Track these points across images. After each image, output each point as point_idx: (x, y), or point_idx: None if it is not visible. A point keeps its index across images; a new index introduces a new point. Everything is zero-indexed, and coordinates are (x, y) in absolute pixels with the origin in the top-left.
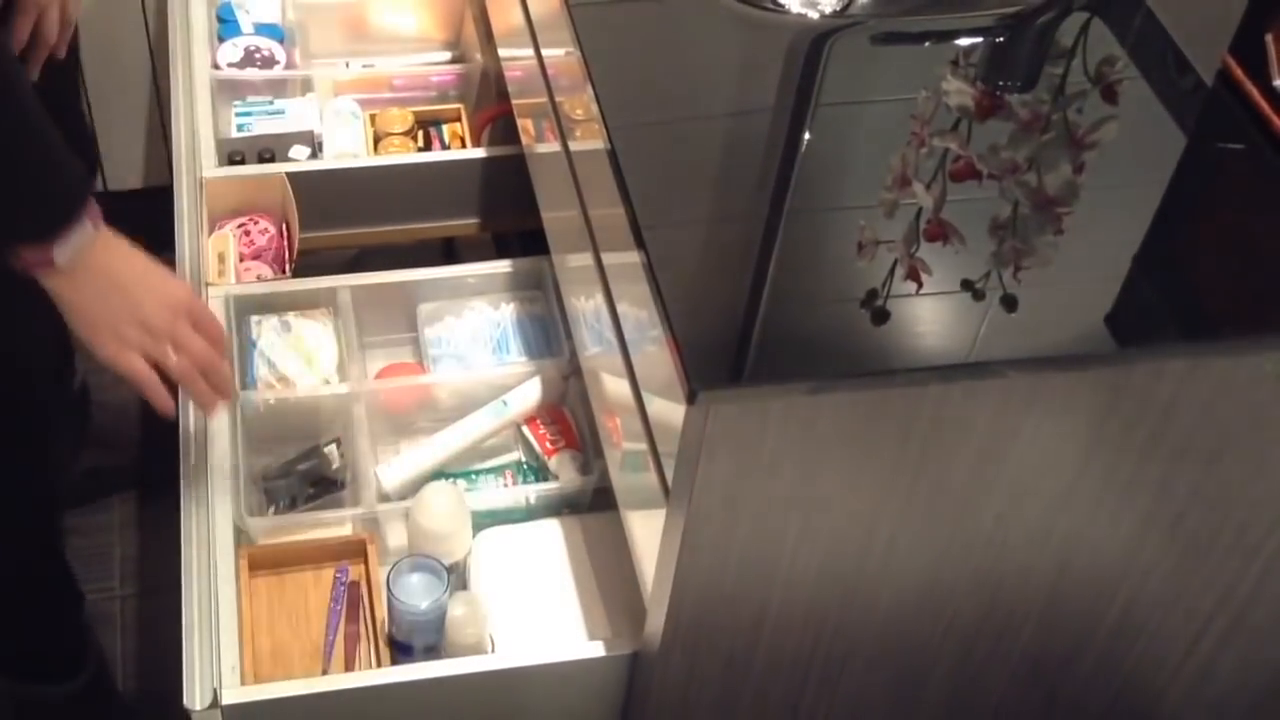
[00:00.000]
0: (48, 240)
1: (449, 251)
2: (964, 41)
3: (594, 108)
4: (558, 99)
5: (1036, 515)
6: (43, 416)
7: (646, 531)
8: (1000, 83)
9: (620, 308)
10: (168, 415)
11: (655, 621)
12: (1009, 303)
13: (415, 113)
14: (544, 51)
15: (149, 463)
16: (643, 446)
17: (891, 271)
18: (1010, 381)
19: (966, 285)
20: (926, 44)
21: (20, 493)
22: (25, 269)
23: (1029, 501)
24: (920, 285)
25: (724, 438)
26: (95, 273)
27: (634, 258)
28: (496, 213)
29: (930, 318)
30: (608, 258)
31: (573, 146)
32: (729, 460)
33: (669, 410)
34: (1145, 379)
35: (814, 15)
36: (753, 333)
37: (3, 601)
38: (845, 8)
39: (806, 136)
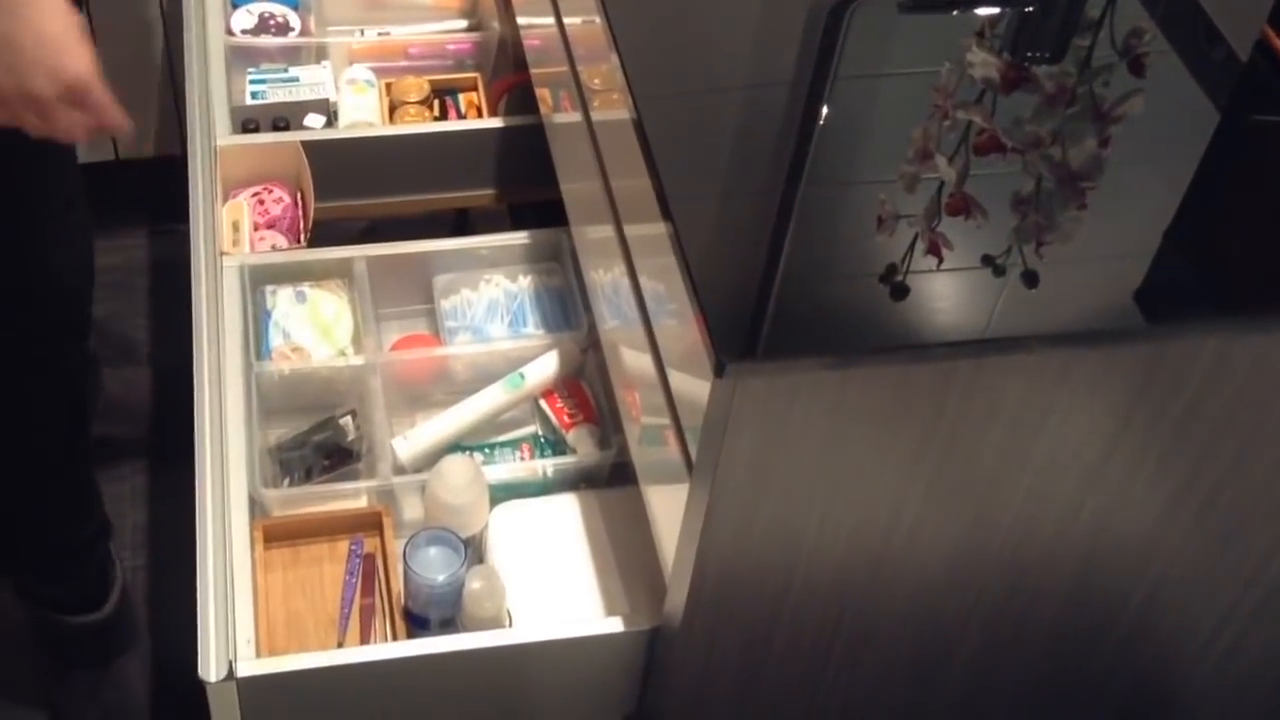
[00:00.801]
0: None
1: (462, 222)
2: (990, 11)
3: (619, 77)
4: (579, 68)
5: (1066, 493)
6: (76, 339)
7: (667, 507)
8: (1026, 54)
9: (642, 280)
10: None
11: (676, 598)
12: (1030, 278)
13: (431, 81)
14: (565, 19)
15: (160, 434)
16: (663, 420)
17: (912, 246)
18: (1043, 358)
19: (987, 260)
20: (954, 13)
21: (51, 411)
22: None
23: (1058, 479)
24: (941, 260)
25: (750, 412)
26: (12, 17)
27: (658, 229)
28: (513, 183)
29: (950, 293)
30: (630, 229)
31: (594, 116)
32: (754, 435)
33: (693, 384)
34: (1179, 356)
35: None
36: (775, 306)
37: (32, 521)
38: None
39: (829, 108)
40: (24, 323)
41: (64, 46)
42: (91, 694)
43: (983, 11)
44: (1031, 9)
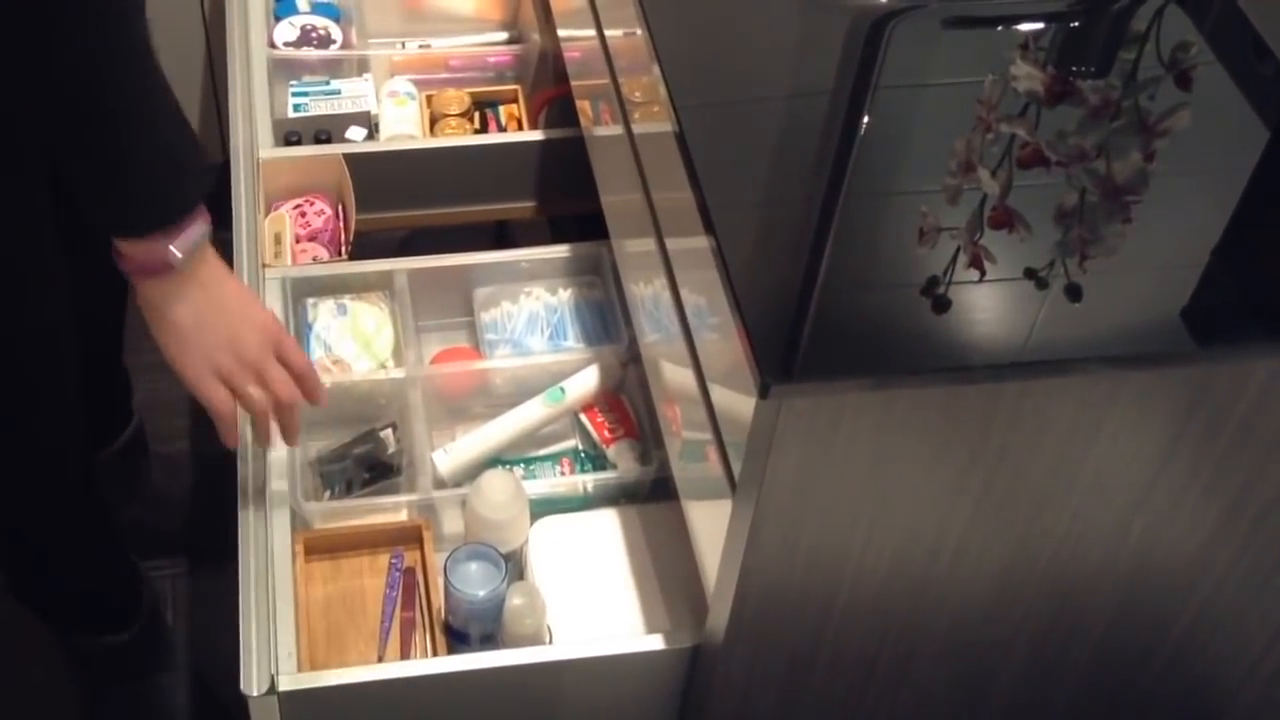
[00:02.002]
0: (172, 229)
1: (501, 233)
2: (1036, 26)
3: (661, 89)
4: (620, 80)
5: (1114, 514)
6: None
7: (710, 523)
8: (1071, 68)
9: (683, 294)
10: (230, 447)
11: (719, 616)
12: (1074, 292)
13: (471, 93)
14: (606, 31)
15: (199, 526)
16: (703, 436)
17: (954, 259)
18: (1092, 379)
19: (1030, 273)
20: (999, 28)
21: (39, 440)
22: (134, 273)
23: (1106, 500)
24: (983, 273)
25: (794, 432)
26: (198, 284)
27: (700, 243)
28: (553, 196)
29: (993, 306)
30: (672, 243)
31: (636, 129)
32: (799, 454)
33: (736, 400)
34: (1230, 378)
35: None
36: (818, 320)
37: (39, 552)
38: None
39: (871, 119)
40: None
41: (257, 302)
42: (129, 713)
43: (1027, 26)
44: (1076, 24)
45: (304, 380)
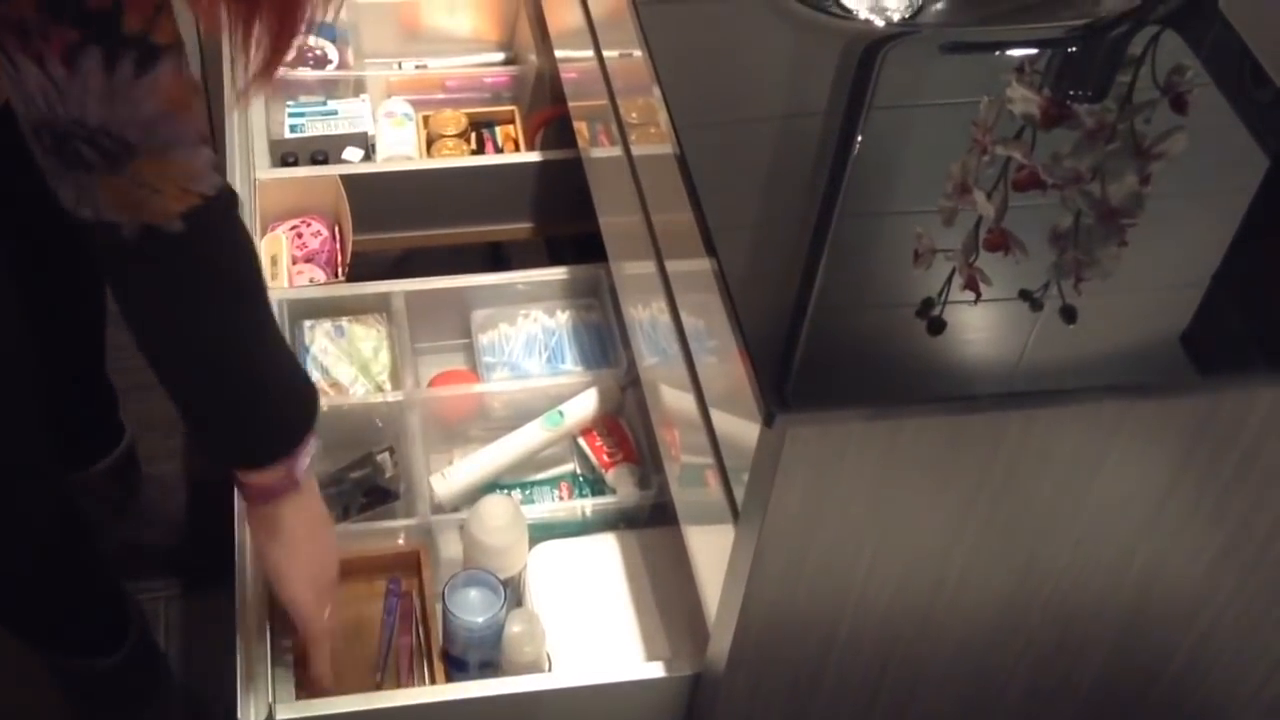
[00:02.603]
0: (297, 450)
1: (496, 254)
2: (1032, 52)
3: (661, 111)
4: (618, 101)
5: (1117, 543)
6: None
7: (710, 550)
8: (1067, 91)
9: (683, 316)
10: (324, 685)
11: (720, 643)
12: (1069, 314)
13: (468, 114)
14: (604, 53)
15: (193, 546)
16: (702, 460)
17: (949, 280)
18: (1097, 408)
19: (1025, 295)
20: (996, 53)
21: (29, 468)
22: (260, 498)
23: (1109, 529)
24: (979, 295)
25: (799, 460)
26: (311, 497)
27: (700, 265)
28: (549, 217)
29: (988, 327)
30: (671, 265)
31: (634, 150)
32: (803, 482)
33: (738, 426)
34: (1234, 408)
35: (880, 23)
36: (819, 344)
37: (26, 576)
38: (913, 16)
39: (870, 141)
40: None
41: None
42: None
43: (1026, 52)
44: (1072, 49)
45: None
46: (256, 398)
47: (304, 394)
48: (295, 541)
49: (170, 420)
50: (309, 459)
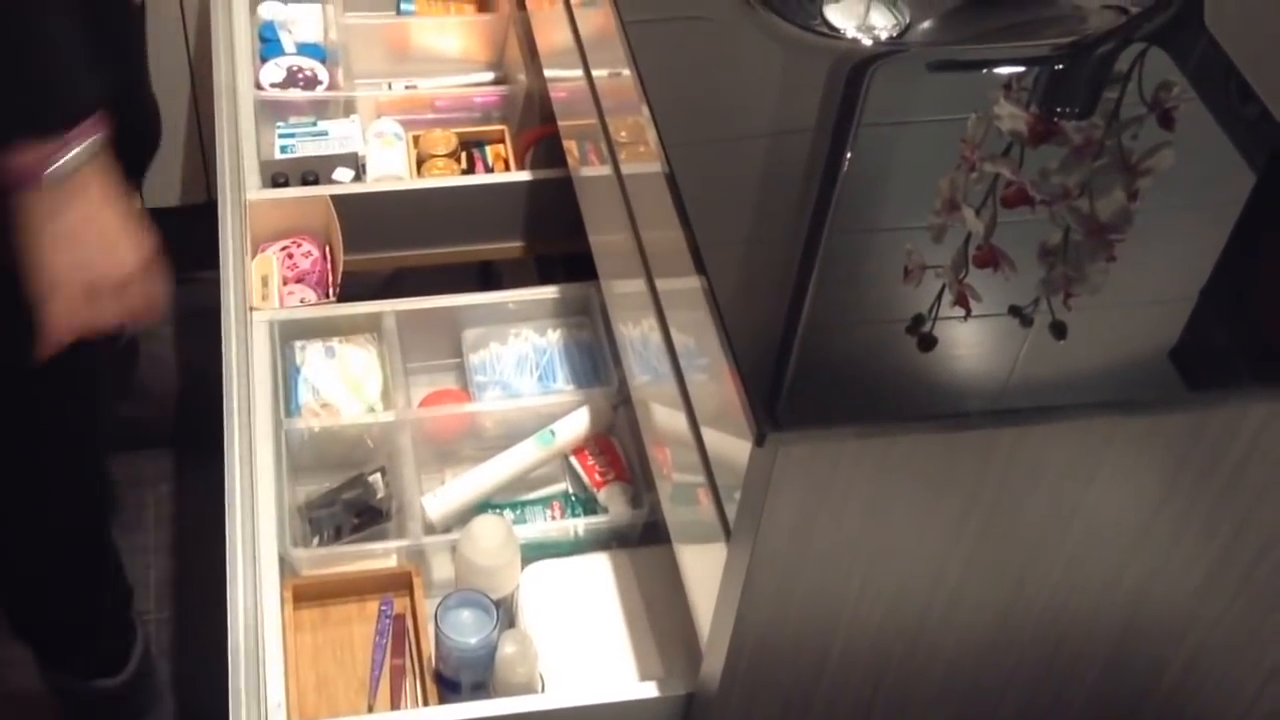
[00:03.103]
0: (54, 140)
1: (487, 273)
2: (1020, 70)
3: (650, 130)
4: (608, 120)
5: (1108, 559)
6: (92, 420)
7: (702, 568)
8: (1055, 108)
9: (673, 334)
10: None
11: (713, 663)
12: (1059, 330)
13: (458, 134)
14: (594, 72)
15: (185, 417)
16: (694, 479)
17: (939, 297)
18: (1088, 424)
19: (1015, 311)
20: (983, 71)
21: (69, 484)
22: (12, 178)
23: (1101, 545)
24: (969, 311)
25: (791, 479)
26: (72, 212)
27: (690, 283)
28: (540, 236)
29: (978, 343)
30: (662, 283)
31: (624, 169)
32: (795, 501)
33: (728, 443)
34: (1224, 423)
35: (868, 42)
36: (809, 361)
37: (51, 594)
38: (900, 35)
39: (859, 158)
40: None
41: (127, 239)
42: None
43: (1014, 70)
44: (1059, 66)
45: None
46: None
47: (66, 85)
48: (51, 242)
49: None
50: (64, 167)
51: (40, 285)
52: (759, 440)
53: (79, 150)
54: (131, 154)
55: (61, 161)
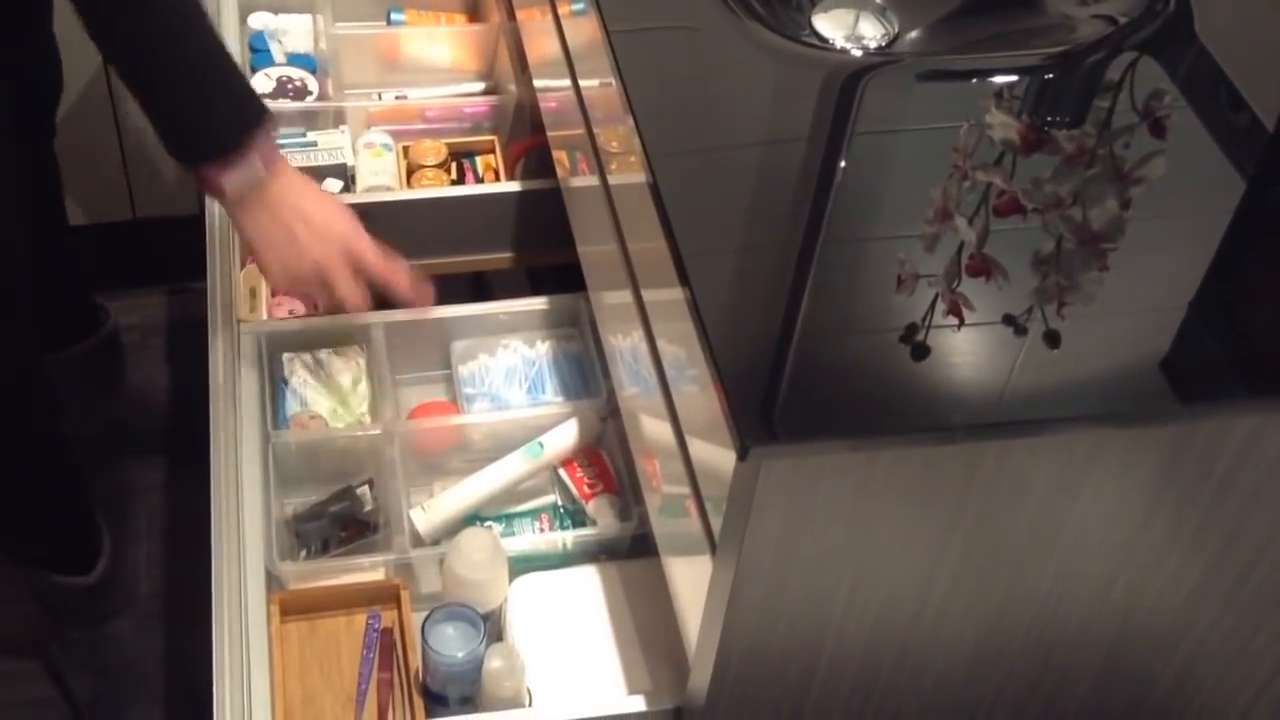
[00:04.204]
0: (218, 165)
1: (478, 284)
2: (1011, 79)
3: (635, 140)
4: (596, 130)
5: (1097, 572)
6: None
7: (690, 582)
8: (1046, 117)
9: (660, 345)
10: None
11: (700, 677)
12: (1052, 339)
13: (449, 144)
14: (581, 82)
15: (176, 428)
16: (683, 490)
17: (932, 306)
18: (1074, 437)
19: (1008, 320)
20: (974, 81)
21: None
22: (203, 188)
23: (1089, 558)
24: (962, 321)
25: (775, 492)
26: (262, 211)
27: (676, 295)
28: (531, 246)
29: (971, 352)
30: (648, 294)
31: (611, 179)
32: (779, 514)
33: (715, 456)
34: (1211, 435)
35: (857, 52)
36: (796, 373)
37: (7, 490)
38: (889, 45)
39: (849, 168)
40: None
41: (329, 216)
42: (86, 656)
43: (1004, 79)
44: (1050, 75)
45: (383, 276)
46: (184, 87)
47: (241, 106)
48: (253, 237)
49: (151, 307)
50: (241, 182)
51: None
52: (742, 454)
53: (248, 168)
54: (47, 105)
55: (236, 178)
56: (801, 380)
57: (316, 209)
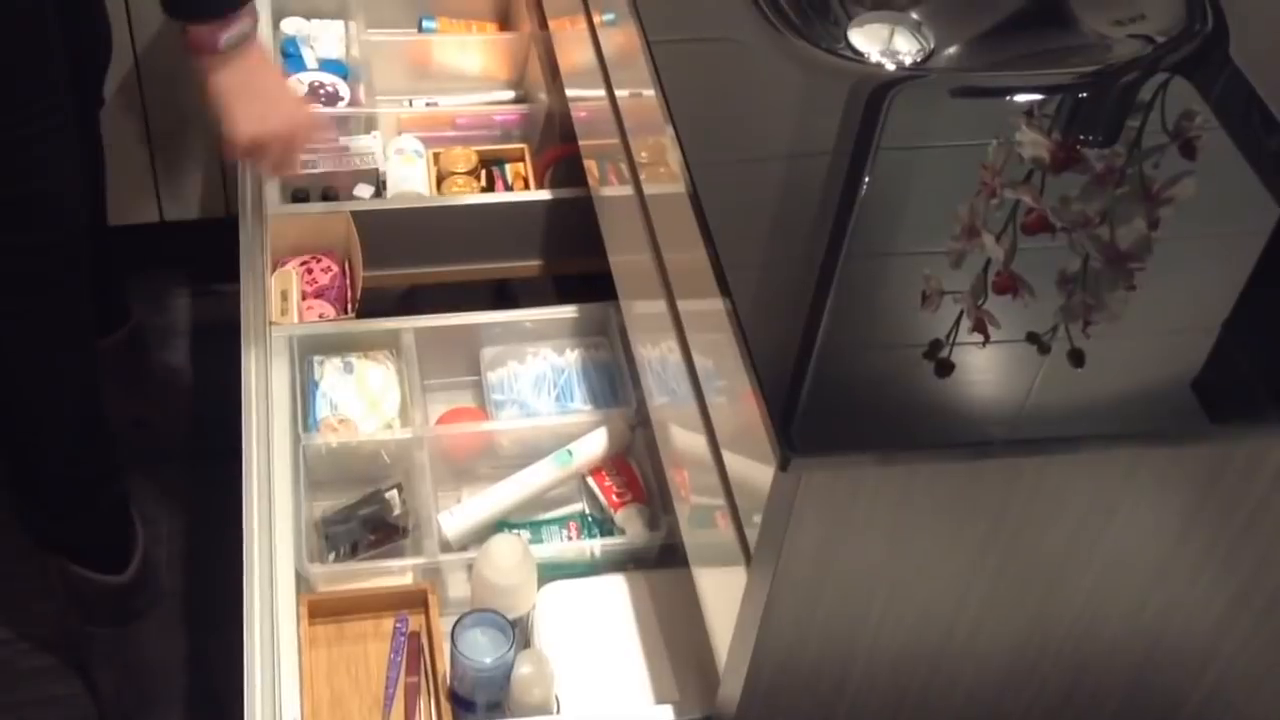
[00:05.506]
0: (219, 20)
1: (502, 291)
2: (1042, 97)
3: (674, 150)
4: (630, 140)
5: (1129, 591)
6: (77, 293)
7: (720, 592)
8: (1077, 135)
9: (695, 357)
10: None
11: (731, 687)
12: (1077, 358)
13: (479, 152)
14: (616, 92)
15: (196, 430)
16: (715, 502)
17: (957, 322)
18: (1111, 455)
19: (1033, 338)
20: (1006, 98)
21: (53, 337)
22: (193, 49)
23: (1122, 576)
24: (987, 338)
25: (813, 504)
26: (244, 68)
27: (711, 305)
28: (558, 255)
29: (994, 369)
30: (683, 304)
31: (646, 189)
32: (817, 527)
33: (749, 467)
34: (1248, 457)
35: (892, 66)
36: (832, 386)
37: (37, 451)
38: (924, 61)
39: (880, 182)
40: (16, 240)
41: (293, 99)
42: (110, 653)
43: (1037, 97)
44: (1083, 94)
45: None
46: None
47: None
48: (227, 91)
49: (177, 310)
50: (238, 35)
51: (223, 136)
52: (783, 464)
53: (241, 26)
54: (96, 64)
55: (231, 33)
56: (834, 393)
57: (283, 78)
